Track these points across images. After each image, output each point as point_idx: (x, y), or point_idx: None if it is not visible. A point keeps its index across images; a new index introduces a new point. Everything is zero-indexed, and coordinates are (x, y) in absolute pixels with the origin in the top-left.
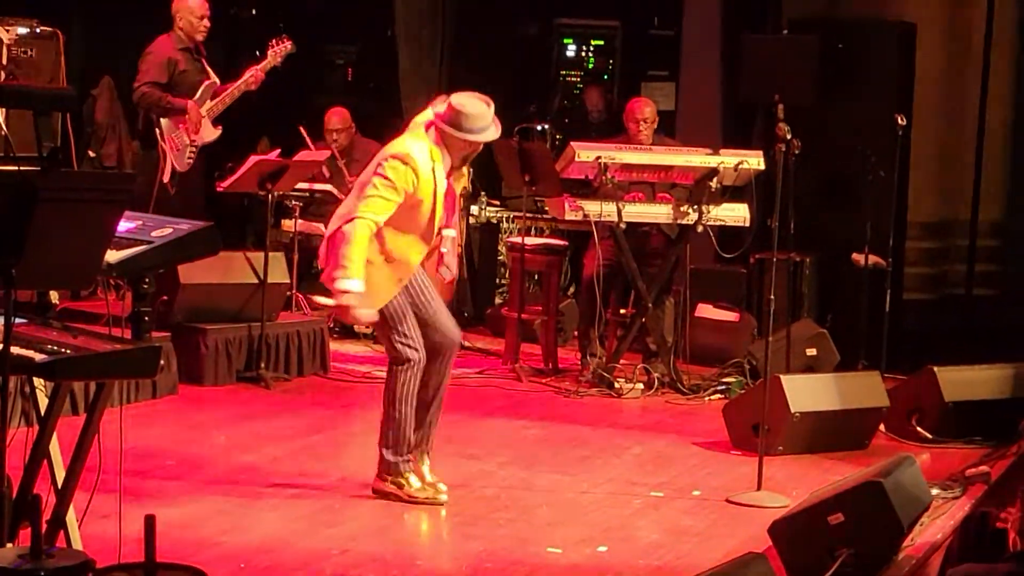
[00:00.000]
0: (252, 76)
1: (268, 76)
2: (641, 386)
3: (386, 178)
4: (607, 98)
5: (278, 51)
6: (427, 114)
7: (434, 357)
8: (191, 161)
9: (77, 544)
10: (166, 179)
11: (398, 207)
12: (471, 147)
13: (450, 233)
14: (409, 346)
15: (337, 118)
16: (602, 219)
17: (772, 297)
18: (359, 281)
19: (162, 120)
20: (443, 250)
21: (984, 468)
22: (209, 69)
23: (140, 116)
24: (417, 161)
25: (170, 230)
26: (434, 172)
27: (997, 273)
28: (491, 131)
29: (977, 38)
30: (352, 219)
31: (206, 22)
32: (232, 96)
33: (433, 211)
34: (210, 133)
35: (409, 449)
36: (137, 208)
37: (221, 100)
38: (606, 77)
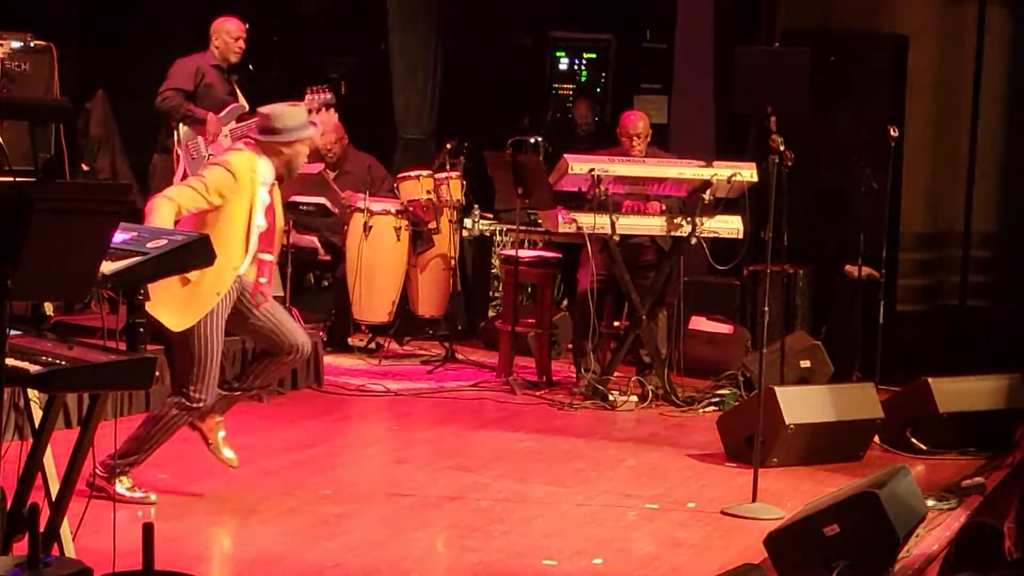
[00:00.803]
0: None
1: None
2: (635, 398)
3: (203, 178)
4: (595, 111)
5: (316, 99)
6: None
7: (285, 351)
8: None
9: (72, 556)
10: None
11: (213, 215)
12: (290, 150)
13: (267, 258)
14: (199, 392)
15: (331, 128)
16: (595, 231)
17: (766, 309)
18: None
19: (181, 127)
20: (261, 280)
21: (979, 479)
22: (240, 93)
23: (162, 125)
24: (236, 167)
25: (165, 241)
26: (252, 182)
27: (991, 284)
28: (305, 130)
29: (969, 50)
30: (154, 201)
31: (241, 43)
32: None
33: (249, 222)
34: None
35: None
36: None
37: (248, 124)
38: (599, 90)
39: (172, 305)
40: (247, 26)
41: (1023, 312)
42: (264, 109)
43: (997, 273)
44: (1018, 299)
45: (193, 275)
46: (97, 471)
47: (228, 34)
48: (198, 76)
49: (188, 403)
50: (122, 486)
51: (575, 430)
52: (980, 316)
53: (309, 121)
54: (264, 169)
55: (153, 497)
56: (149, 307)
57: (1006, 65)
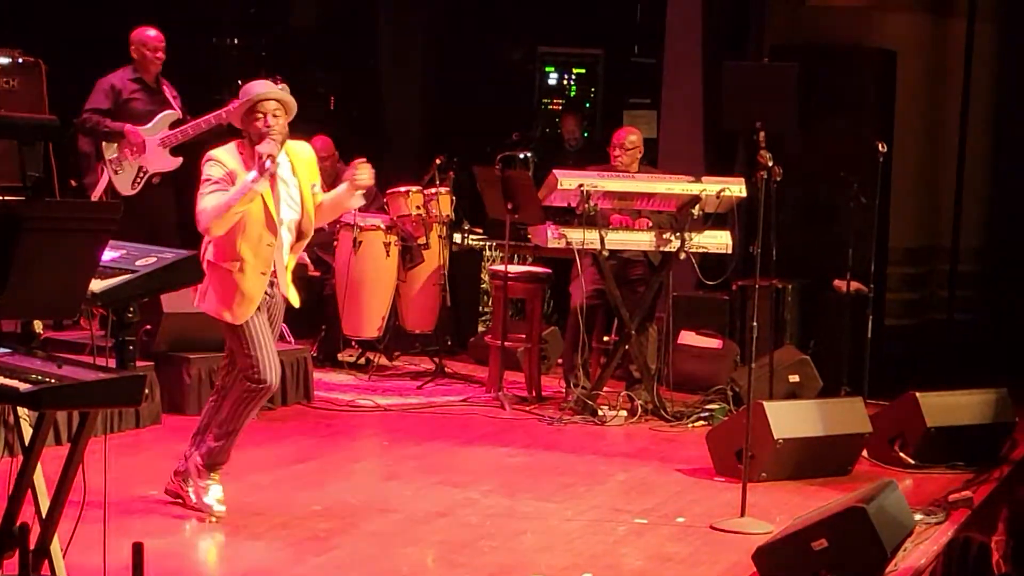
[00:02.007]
0: (227, 111)
1: None
2: (624, 413)
3: (206, 178)
4: (584, 126)
5: None
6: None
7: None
8: (138, 186)
9: (62, 574)
10: (94, 199)
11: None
12: (259, 110)
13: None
14: (260, 369)
15: (320, 145)
16: (585, 247)
17: (755, 324)
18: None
19: (103, 144)
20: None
21: (967, 493)
22: (173, 101)
23: (77, 143)
24: (221, 157)
25: (154, 259)
26: (237, 160)
27: (978, 298)
28: (273, 90)
29: (957, 65)
30: (197, 220)
31: (160, 55)
32: (199, 128)
33: (266, 207)
34: (164, 162)
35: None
36: None
37: (182, 131)
38: (588, 105)
39: (221, 301)
40: (227, 40)
41: (1010, 326)
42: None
43: (984, 288)
44: (1005, 313)
45: (233, 266)
46: (174, 479)
47: (144, 46)
48: (114, 94)
49: (255, 384)
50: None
51: (564, 445)
52: (968, 330)
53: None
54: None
55: (220, 507)
56: (205, 308)
57: (993, 80)
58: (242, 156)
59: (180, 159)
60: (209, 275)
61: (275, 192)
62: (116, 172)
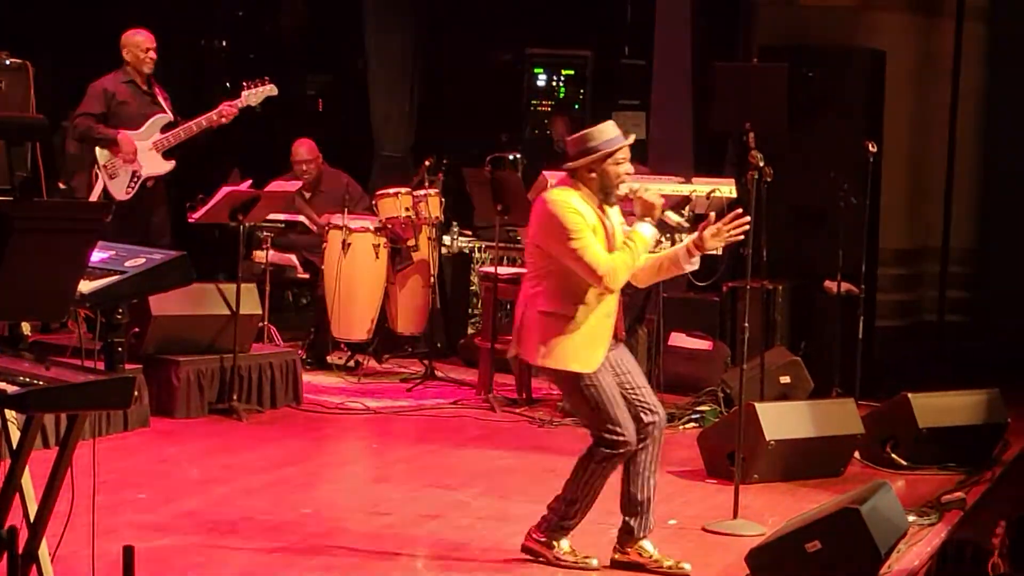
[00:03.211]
0: (220, 112)
1: (240, 111)
2: None
3: (573, 229)
4: (572, 128)
5: (255, 92)
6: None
7: (641, 435)
8: (131, 191)
9: None
10: None
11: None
12: (620, 157)
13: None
14: (616, 433)
15: (304, 149)
16: None
17: (746, 325)
18: (641, 227)
19: (97, 149)
20: None
21: (960, 494)
22: (164, 104)
23: (65, 144)
24: (577, 205)
25: (143, 260)
26: (595, 212)
27: (969, 299)
28: (626, 139)
29: (946, 65)
30: (601, 280)
31: (152, 54)
32: (191, 131)
33: (612, 245)
34: (158, 166)
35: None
36: None
37: (174, 134)
38: (577, 106)
39: (571, 350)
40: (215, 43)
41: (1001, 327)
42: (574, 136)
43: (975, 289)
44: (996, 314)
45: (576, 314)
46: (534, 533)
47: (137, 47)
48: (107, 98)
49: (612, 448)
50: (561, 550)
51: (555, 447)
52: (959, 331)
53: (605, 142)
54: (593, 200)
55: (594, 562)
56: (552, 363)
57: (983, 80)
58: (587, 200)
59: (173, 162)
60: (546, 326)
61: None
62: (111, 177)
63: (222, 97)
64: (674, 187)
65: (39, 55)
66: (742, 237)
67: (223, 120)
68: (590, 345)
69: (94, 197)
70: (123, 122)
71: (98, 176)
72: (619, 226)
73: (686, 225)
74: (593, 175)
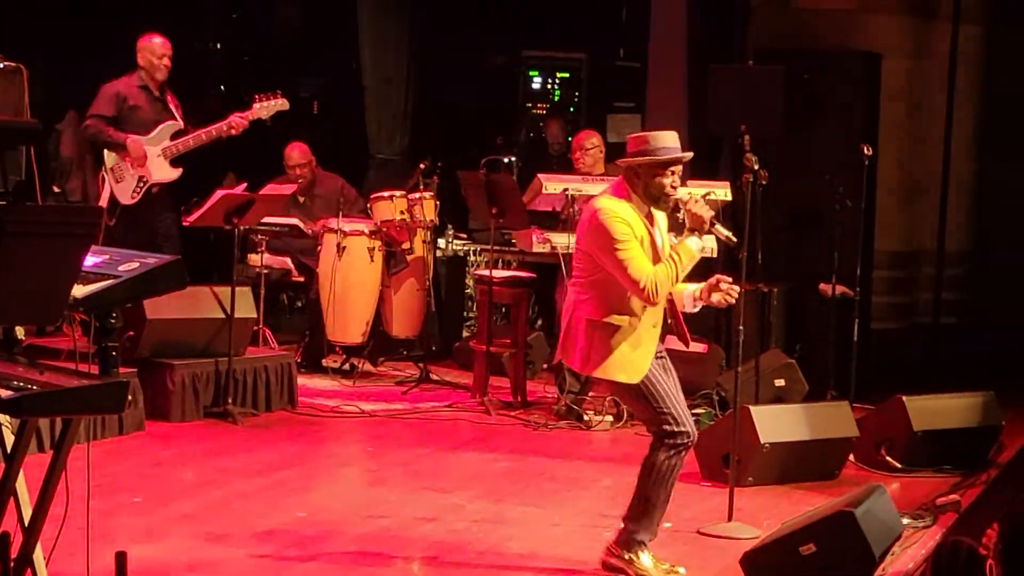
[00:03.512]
0: (230, 123)
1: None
2: (611, 418)
3: (619, 239)
4: (568, 130)
5: (266, 106)
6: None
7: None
8: (137, 196)
9: None
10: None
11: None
12: (672, 169)
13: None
14: (677, 425)
15: (297, 153)
16: (569, 251)
17: (741, 328)
18: (690, 242)
19: (105, 152)
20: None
21: (954, 497)
22: (175, 111)
23: (60, 148)
24: (623, 213)
25: (137, 264)
26: (644, 224)
27: (964, 301)
28: (683, 152)
29: (942, 67)
30: (642, 292)
31: (166, 61)
32: (200, 140)
33: (657, 255)
34: (165, 172)
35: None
36: None
37: (183, 142)
38: (572, 109)
39: (617, 361)
40: (209, 45)
41: (996, 330)
42: (635, 136)
43: (970, 291)
44: (991, 317)
45: (623, 322)
46: (612, 549)
47: (152, 52)
48: (119, 101)
49: (673, 440)
50: (642, 564)
51: (550, 450)
52: (954, 334)
53: (663, 148)
54: (642, 207)
55: (682, 570)
56: (600, 373)
57: (979, 83)
58: (636, 210)
59: (180, 170)
60: (591, 335)
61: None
62: (117, 181)
63: (216, 100)
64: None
65: (33, 59)
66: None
67: (232, 131)
68: (635, 355)
69: (102, 201)
70: (133, 127)
71: (104, 180)
72: (666, 236)
73: (735, 240)
74: (639, 180)
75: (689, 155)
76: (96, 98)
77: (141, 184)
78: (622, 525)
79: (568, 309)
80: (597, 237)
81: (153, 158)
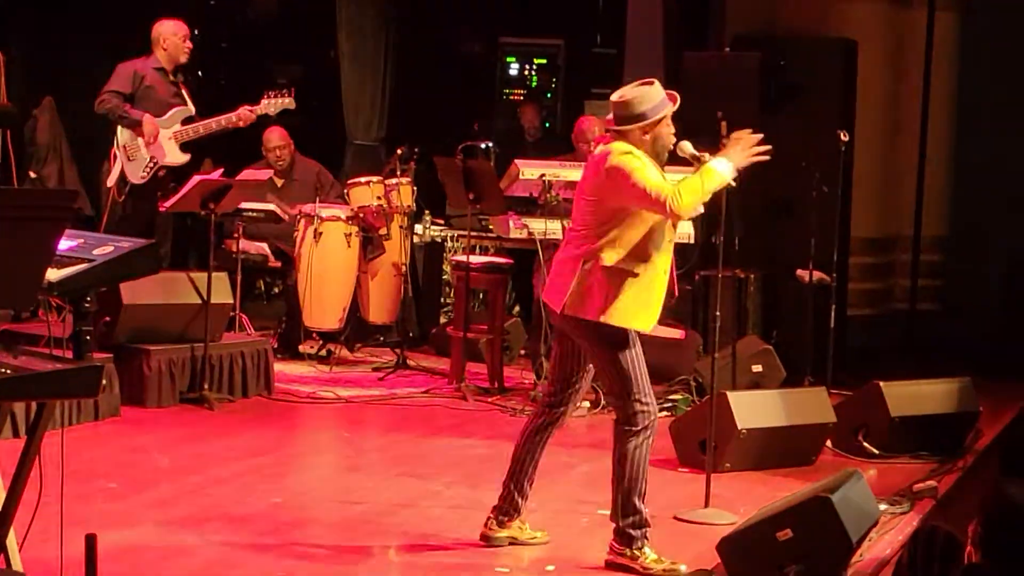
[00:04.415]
0: (239, 115)
1: (223, 102)
2: (587, 404)
3: (633, 166)
4: (543, 115)
5: (274, 103)
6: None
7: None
8: (146, 176)
9: (18, 568)
10: (110, 183)
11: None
12: (656, 131)
13: None
14: (644, 403)
15: (276, 136)
16: (547, 237)
17: (718, 314)
18: (718, 164)
19: (119, 129)
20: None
21: (931, 483)
22: (187, 97)
23: (40, 136)
24: (633, 151)
25: (111, 248)
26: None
27: (940, 288)
28: (666, 107)
29: (918, 54)
30: (664, 205)
31: (189, 44)
32: (209, 128)
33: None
34: (175, 156)
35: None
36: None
37: (194, 128)
38: (549, 95)
39: (631, 307)
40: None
41: (972, 316)
42: (615, 96)
43: (946, 277)
44: (967, 303)
45: (638, 268)
46: (613, 547)
47: (175, 35)
48: (136, 80)
49: (639, 419)
50: (647, 558)
51: None
52: (930, 320)
53: (668, 94)
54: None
55: (683, 568)
56: (615, 320)
57: (955, 69)
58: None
59: (188, 155)
60: (606, 281)
61: None
62: (130, 159)
63: (196, 86)
64: None
65: (10, 44)
66: (767, 158)
67: (240, 123)
68: (649, 303)
69: (112, 178)
70: (147, 107)
71: (116, 157)
72: None
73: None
74: (647, 137)
75: (677, 103)
76: (112, 75)
77: (152, 164)
78: (615, 525)
79: (567, 260)
80: (610, 175)
81: (165, 140)
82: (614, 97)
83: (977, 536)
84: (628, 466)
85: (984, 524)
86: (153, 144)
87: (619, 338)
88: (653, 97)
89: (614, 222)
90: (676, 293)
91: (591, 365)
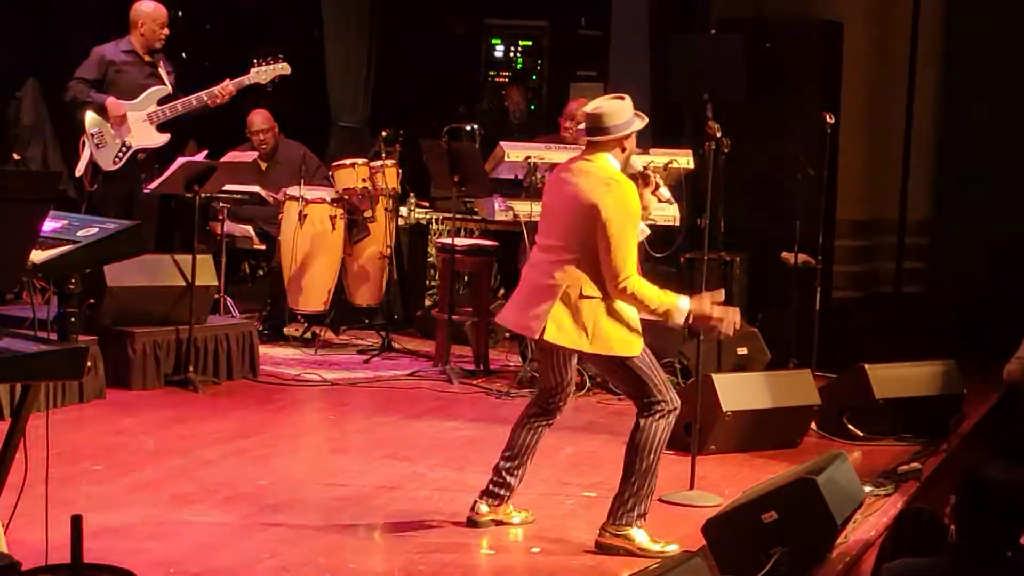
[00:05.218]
0: (218, 91)
1: (206, 84)
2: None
3: (624, 223)
4: (528, 97)
5: (264, 70)
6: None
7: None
8: (119, 161)
9: (3, 549)
10: (79, 172)
11: None
12: (628, 144)
13: None
14: (665, 395)
15: (260, 118)
16: (532, 219)
17: None
18: (682, 300)
19: (87, 114)
20: None
21: (916, 464)
22: (166, 77)
23: (24, 118)
24: (635, 194)
25: (96, 229)
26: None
27: (925, 270)
28: (634, 124)
29: (903, 36)
30: (618, 283)
31: (166, 31)
32: (188, 105)
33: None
34: (150, 138)
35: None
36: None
37: (171, 107)
38: (534, 77)
39: (620, 336)
40: (171, 12)
41: (957, 299)
42: (589, 108)
43: (931, 260)
44: (952, 286)
45: (622, 308)
46: (606, 528)
47: (154, 21)
48: (103, 65)
49: (661, 408)
50: (642, 538)
51: (512, 418)
52: (915, 303)
53: (634, 114)
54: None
55: (675, 546)
56: (600, 348)
57: (940, 51)
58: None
59: (167, 136)
60: (591, 312)
61: None
62: (98, 147)
63: (181, 68)
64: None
65: None
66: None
67: (219, 100)
68: (634, 328)
69: (81, 166)
70: (119, 91)
71: (85, 144)
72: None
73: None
74: (624, 152)
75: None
76: (84, 61)
77: (124, 149)
78: (616, 505)
79: (542, 290)
80: (613, 205)
81: (138, 123)
82: (588, 108)
83: (953, 506)
84: (647, 447)
85: (959, 493)
86: (122, 127)
87: (621, 359)
88: (626, 112)
89: (590, 245)
90: None
91: (574, 360)
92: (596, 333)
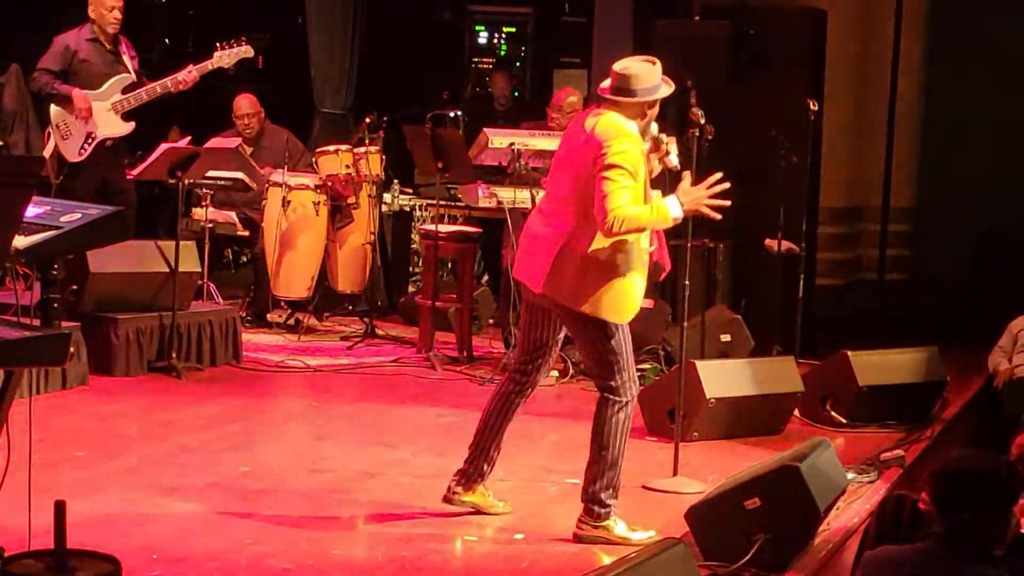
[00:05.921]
0: (183, 76)
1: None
2: (556, 373)
3: (619, 167)
4: (513, 84)
5: (228, 53)
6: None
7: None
8: (85, 152)
9: None
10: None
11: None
12: (652, 111)
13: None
14: (624, 382)
15: (247, 103)
16: (516, 206)
17: (687, 283)
18: (669, 199)
19: (51, 107)
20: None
21: (899, 452)
22: (129, 63)
23: (6, 102)
24: (635, 135)
25: (79, 215)
26: (642, 152)
27: (908, 258)
28: (661, 90)
29: (887, 23)
30: (605, 218)
31: (116, 13)
32: (153, 92)
33: (646, 194)
34: (115, 127)
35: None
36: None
37: (136, 95)
38: (518, 64)
39: (612, 302)
40: None
41: (940, 286)
42: (618, 67)
43: (915, 247)
44: (935, 273)
45: (620, 262)
46: (584, 521)
47: (102, 4)
48: (67, 54)
49: (618, 398)
50: (621, 528)
51: None
52: (898, 290)
53: (662, 79)
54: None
55: (652, 532)
56: (591, 310)
57: (924, 39)
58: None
59: (132, 124)
60: (587, 270)
61: None
62: (63, 138)
63: (162, 54)
64: None
65: None
66: (718, 216)
67: (182, 86)
68: (630, 294)
69: (47, 155)
70: (83, 81)
71: (51, 136)
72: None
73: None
74: (643, 117)
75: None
76: (46, 51)
77: (89, 140)
78: (585, 496)
79: (544, 239)
80: (615, 152)
81: (103, 112)
82: (617, 67)
83: (930, 496)
84: (609, 437)
85: (931, 488)
86: (88, 119)
87: (603, 327)
88: (654, 76)
89: (591, 193)
90: (668, 268)
91: (561, 334)
92: (586, 292)
